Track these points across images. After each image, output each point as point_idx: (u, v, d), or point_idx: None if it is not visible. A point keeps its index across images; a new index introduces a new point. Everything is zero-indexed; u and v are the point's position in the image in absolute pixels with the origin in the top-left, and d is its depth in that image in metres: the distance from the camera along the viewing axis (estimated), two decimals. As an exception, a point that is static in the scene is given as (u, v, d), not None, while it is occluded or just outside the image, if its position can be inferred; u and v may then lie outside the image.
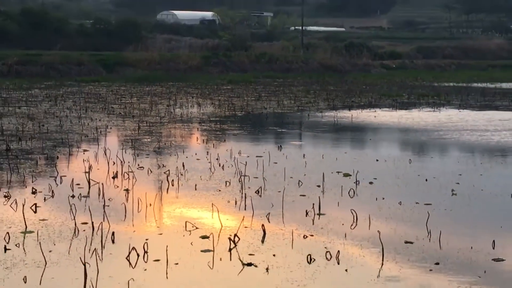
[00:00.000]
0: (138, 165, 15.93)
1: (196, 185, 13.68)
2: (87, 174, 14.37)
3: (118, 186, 13.46)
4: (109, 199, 12.23)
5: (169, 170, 15.21)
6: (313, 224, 10.76)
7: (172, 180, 14.03)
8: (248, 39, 77.92)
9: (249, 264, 8.68)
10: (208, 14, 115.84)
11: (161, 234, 10.14)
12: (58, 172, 14.92)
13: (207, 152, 17.90)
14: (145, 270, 8.45)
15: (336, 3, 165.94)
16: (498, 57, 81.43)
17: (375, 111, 29.86)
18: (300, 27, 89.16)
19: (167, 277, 8.23)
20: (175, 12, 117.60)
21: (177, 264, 8.67)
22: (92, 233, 10.00)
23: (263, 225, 10.38)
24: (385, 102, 34.02)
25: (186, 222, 10.67)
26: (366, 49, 76.27)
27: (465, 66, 71.38)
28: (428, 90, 42.12)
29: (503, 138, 21.09)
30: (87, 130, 22.19)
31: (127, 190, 13.08)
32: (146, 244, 9.26)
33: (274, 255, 9.08)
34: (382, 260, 8.90)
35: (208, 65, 60.93)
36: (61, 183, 13.78)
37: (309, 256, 8.97)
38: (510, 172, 15.68)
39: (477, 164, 16.87)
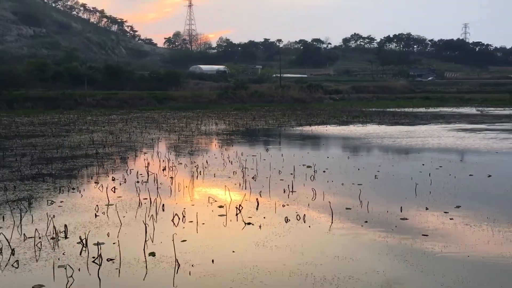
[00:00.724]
0: (178, 162, 15.91)
1: (215, 174, 13.68)
2: (146, 168, 14.37)
3: (166, 175, 13.45)
4: (160, 183, 12.22)
5: (197, 164, 15.20)
6: (288, 197, 10.76)
7: (200, 171, 14.02)
8: (246, 83, 77.88)
9: (249, 223, 8.69)
10: (221, 67, 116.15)
11: (193, 205, 10.13)
12: (128, 167, 14.90)
13: (221, 153, 17.90)
14: (183, 228, 8.45)
15: (301, 59, 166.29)
16: (402, 92, 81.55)
17: (326, 126, 29.89)
18: (279, 74, 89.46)
19: (197, 232, 8.23)
20: (201, 66, 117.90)
21: (203, 223, 8.67)
22: (150, 205, 9.99)
23: (257, 199, 10.38)
24: (332, 121, 34.06)
25: (208, 197, 10.68)
26: (320, 87, 76.43)
27: (382, 98, 71.45)
28: (359, 113, 42.16)
29: (407, 142, 21.14)
30: (146, 140, 22.18)
31: (171, 177, 13.07)
32: (184, 211, 9.26)
33: (264, 217, 9.08)
34: (332, 220, 8.91)
35: (221, 99, 60.97)
36: (130, 173, 13.76)
37: (286, 218, 8.98)
38: (410, 164, 15.71)
39: (390, 159, 16.90)
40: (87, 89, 58.40)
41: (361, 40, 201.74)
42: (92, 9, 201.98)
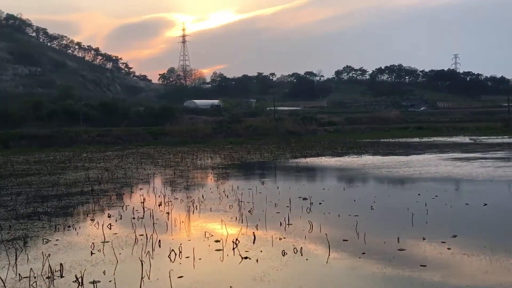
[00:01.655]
0: (174, 197, 15.84)
1: (211, 208, 13.61)
2: (142, 204, 14.29)
3: (162, 211, 13.36)
4: (156, 219, 12.13)
5: (193, 199, 15.13)
6: (285, 230, 10.69)
7: (196, 206, 13.95)
8: (241, 116, 78.28)
9: (246, 258, 8.61)
10: (216, 101, 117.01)
11: (189, 240, 10.05)
12: (124, 203, 14.82)
13: (217, 187, 17.84)
14: (180, 264, 8.36)
15: (295, 92, 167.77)
16: (396, 123, 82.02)
17: (321, 158, 29.89)
18: (273, 108, 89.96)
19: (194, 268, 8.15)
20: (195, 100, 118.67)
21: (200, 259, 8.59)
22: (146, 241, 9.90)
23: (253, 232, 10.31)
24: (327, 153, 34.09)
25: (205, 232, 10.60)
26: (314, 120, 76.77)
27: (375, 129, 71.74)
28: (353, 144, 42.25)
29: (402, 173, 21.15)
30: (142, 176, 22.10)
31: (168, 213, 12.99)
32: (180, 246, 9.18)
33: (261, 251, 9.00)
34: (329, 252, 8.84)
35: (216, 133, 61.05)
36: (126, 209, 13.68)
37: (283, 251, 8.91)
38: (406, 194, 15.69)
39: (386, 189, 16.89)
40: (82, 126, 58.48)
41: (353, 72, 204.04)
42: (87, 47, 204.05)
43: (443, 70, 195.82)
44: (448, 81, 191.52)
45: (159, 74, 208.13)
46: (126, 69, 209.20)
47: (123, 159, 31.85)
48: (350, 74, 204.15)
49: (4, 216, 13.08)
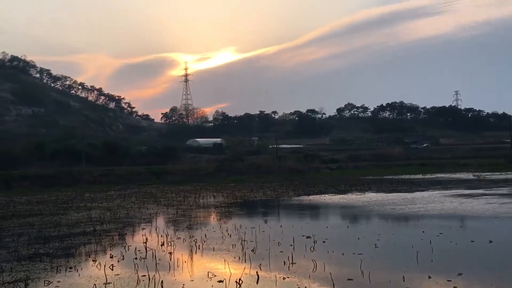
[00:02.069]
0: (177, 236, 15.75)
1: (213, 247, 13.52)
2: (144, 244, 14.21)
3: (164, 251, 13.28)
4: (159, 259, 12.05)
5: (196, 238, 15.05)
6: (289, 270, 10.60)
7: (198, 245, 13.87)
8: (243, 154, 78.36)
9: (249, 298, 8.51)
10: (218, 140, 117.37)
11: (192, 280, 9.96)
12: (126, 243, 14.74)
13: (220, 226, 17.75)
14: (183, 304, 8.26)
15: (297, 130, 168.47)
16: (398, 159, 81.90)
17: (324, 195, 29.80)
18: (275, 146, 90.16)
19: (197, 309, 8.05)
20: (198, 139, 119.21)
21: (203, 299, 8.49)
22: (149, 282, 9.82)
23: (257, 272, 10.23)
24: (330, 190, 33.98)
25: (208, 272, 10.51)
26: (317, 157, 76.81)
27: (378, 166, 71.62)
28: (356, 182, 42.15)
29: (406, 210, 21.06)
30: (144, 215, 22.03)
31: (170, 252, 12.90)
32: (183, 287, 9.09)
33: (265, 291, 8.91)
34: (334, 292, 8.74)
35: (219, 171, 61.03)
36: (128, 250, 13.59)
37: (287, 291, 8.82)
38: (411, 231, 15.59)
39: (390, 227, 16.79)
40: (85, 166, 58.56)
41: (355, 110, 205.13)
42: (90, 88, 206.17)
43: (444, 106, 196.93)
44: (450, 118, 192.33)
45: (162, 113, 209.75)
46: (128, 108, 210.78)
47: (125, 198, 31.79)
48: (352, 112, 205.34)
49: (6, 257, 13.01)
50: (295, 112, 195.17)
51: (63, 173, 51.57)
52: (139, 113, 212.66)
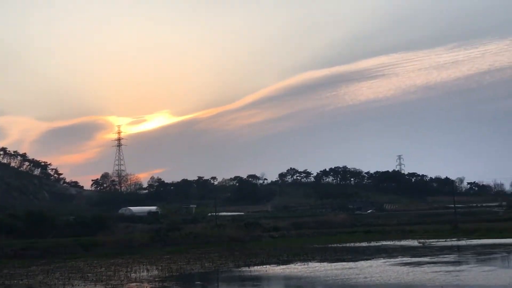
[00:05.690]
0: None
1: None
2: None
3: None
4: None
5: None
6: None
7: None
8: (180, 223, 77.17)
9: None
10: (153, 208, 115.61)
11: None
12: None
13: (153, 303, 17.24)
14: None
15: (237, 196, 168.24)
16: (343, 226, 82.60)
17: (266, 266, 29.58)
18: (214, 213, 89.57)
19: None
20: (131, 207, 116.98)
21: None
22: None
23: None
24: (272, 260, 33.80)
25: None
26: (258, 225, 76.52)
27: (323, 233, 71.90)
28: (300, 251, 42.15)
29: (351, 281, 21.18)
30: (70, 293, 21.15)
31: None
32: None
33: None
34: None
35: (154, 242, 59.63)
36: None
37: None
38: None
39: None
40: (5, 238, 56.00)
41: (297, 175, 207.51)
42: (13, 153, 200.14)
43: (388, 171, 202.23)
44: (394, 183, 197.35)
45: (92, 180, 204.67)
46: (55, 175, 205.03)
47: (49, 274, 30.51)
48: (294, 177, 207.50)
49: None
50: (235, 177, 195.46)
51: (-21, 247, 49.08)
52: (67, 180, 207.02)
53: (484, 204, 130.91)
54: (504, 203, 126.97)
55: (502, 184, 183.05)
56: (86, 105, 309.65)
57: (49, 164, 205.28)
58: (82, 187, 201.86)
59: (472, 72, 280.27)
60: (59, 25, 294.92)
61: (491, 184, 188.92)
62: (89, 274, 29.27)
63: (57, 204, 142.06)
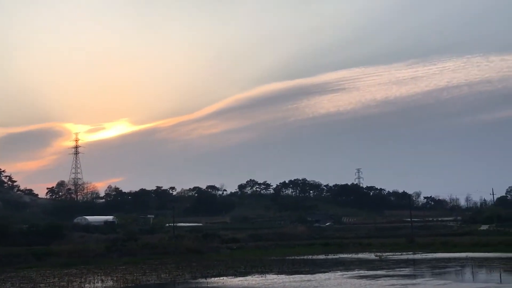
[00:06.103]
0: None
1: None
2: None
3: None
4: None
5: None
6: None
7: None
8: (137, 234, 76.42)
9: None
10: (110, 218, 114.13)
11: None
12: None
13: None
14: None
15: (196, 207, 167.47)
16: (301, 238, 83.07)
17: (223, 278, 29.50)
18: (173, 224, 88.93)
19: None
20: (87, 217, 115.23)
21: None
22: None
23: None
24: (229, 272, 33.71)
25: None
26: (217, 237, 76.40)
27: (281, 245, 72.09)
28: (258, 262, 42.16)
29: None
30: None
31: None
32: None
33: None
34: None
35: (110, 252, 58.79)
36: None
37: None
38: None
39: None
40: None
41: (257, 186, 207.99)
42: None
43: (346, 184, 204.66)
44: (352, 196, 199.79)
45: (47, 188, 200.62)
46: (9, 182, 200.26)
47: (-1, 284, 29.75)
48: (254, 188, 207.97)
49: None
50: (195, 188, 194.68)
51: None
52: (22, 187, 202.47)
53: (439, 219, 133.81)
54: (459, 217, 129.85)
55: (458, 199, 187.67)
56: (43, 111, 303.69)
57: (3, 171, 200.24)
58: (37, 195, 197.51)
59: (430, 88, 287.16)
60: (17, 28, 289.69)
61: (447, 199, 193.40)
62: (41, 285, 28.66)
63: (10, 212, 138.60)
